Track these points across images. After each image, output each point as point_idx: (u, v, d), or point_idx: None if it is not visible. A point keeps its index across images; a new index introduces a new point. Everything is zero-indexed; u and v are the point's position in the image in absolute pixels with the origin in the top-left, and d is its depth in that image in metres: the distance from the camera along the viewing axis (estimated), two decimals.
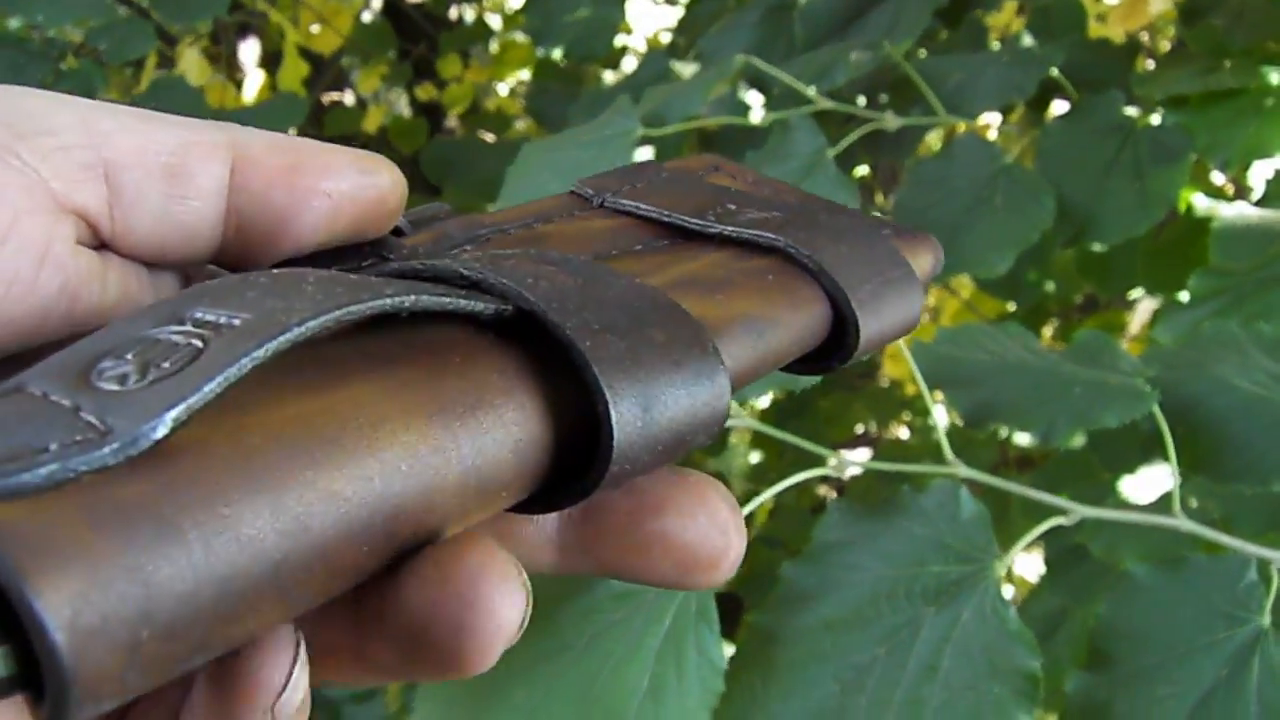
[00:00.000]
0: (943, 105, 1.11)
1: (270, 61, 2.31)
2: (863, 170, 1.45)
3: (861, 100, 1.27)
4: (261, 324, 0.20)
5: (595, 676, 0.52)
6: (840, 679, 0.58)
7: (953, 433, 0.74)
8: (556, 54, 1.57)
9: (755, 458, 2.31)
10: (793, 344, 0.27)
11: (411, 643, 0.22)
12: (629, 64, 2.12)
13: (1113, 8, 1.34)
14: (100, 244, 0.25)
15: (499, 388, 0.22)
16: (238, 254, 0.27)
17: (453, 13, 2.59)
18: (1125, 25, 1.29)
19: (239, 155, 0.26)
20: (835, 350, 0.28)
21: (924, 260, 0.31)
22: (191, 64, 2.02)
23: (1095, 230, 1.09)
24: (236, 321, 0.20)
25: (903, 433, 2.32)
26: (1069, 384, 0.69)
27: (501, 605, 0.22)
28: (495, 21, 2.58)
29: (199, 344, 0.19)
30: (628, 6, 1.53)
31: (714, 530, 0.26)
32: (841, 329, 0.28)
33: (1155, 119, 1.10)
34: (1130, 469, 1.19)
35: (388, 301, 0.21)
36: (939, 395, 0.72)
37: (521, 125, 2.46)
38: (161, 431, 0.18)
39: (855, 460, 0.64)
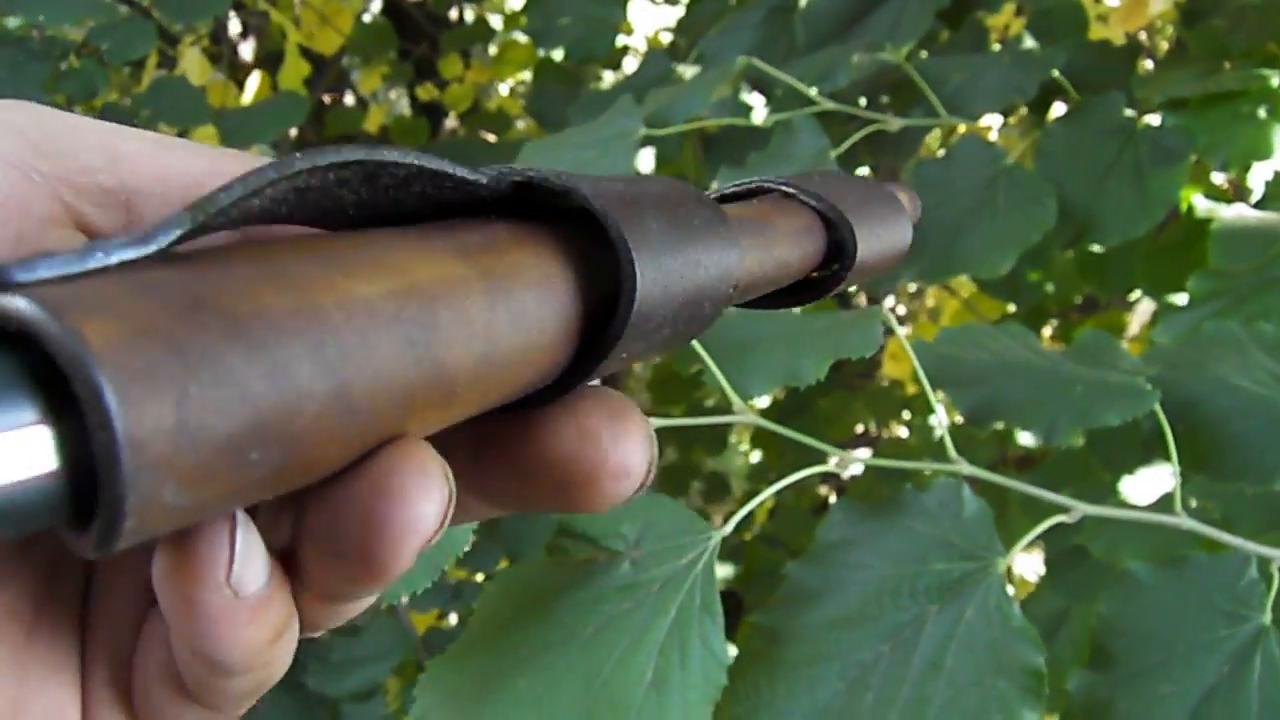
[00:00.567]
0: (944, 106, 1.12)
1: (271, 61, 2.31)
2: (864, 171, 1.45)
3: (863, 101, 1.27)
4: (277, 163, 0.20)
5: (600, 667, 0.53)
6: (845, 677, 0.58)
7: (953, 432, 0.75)
8: (557, 54, 1.58)
9: (755, 457, 2.31)
10: (793, 250, 0.28)
11: (328, 542, 0.22)
12: (629, 64, 2.13)
13: (1113, 9, 1.34)
14: None
15: (531, 262, 0.22)
16: None
17: (453, 13, 2.59)
18: (1125, 26, 1.30)
19: None
20: (834, 269, 0.30)
21: (905, 198, 0.33)
22: (192, 63, 2.02)
23: (1095, 231, 1.09)
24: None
25: (902, 432, 2.32)
26: (1070, 383, 0.69)
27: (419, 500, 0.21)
28: (496, 21, 2.59)
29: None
30: (629, 7, 1.53)
31: (585, 444, 0.24)
32: (839, 248, 0.29)
33: (1155, 120, 1.11)
34: (1130, 470, 1.19)
35: (395, 155, 0.22)
36: (940, 394, 0.72)
37: (522, 125, 2.46)
38: (180, 230, 0.19)
39: (857, 457, 0.64)
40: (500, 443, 0.25)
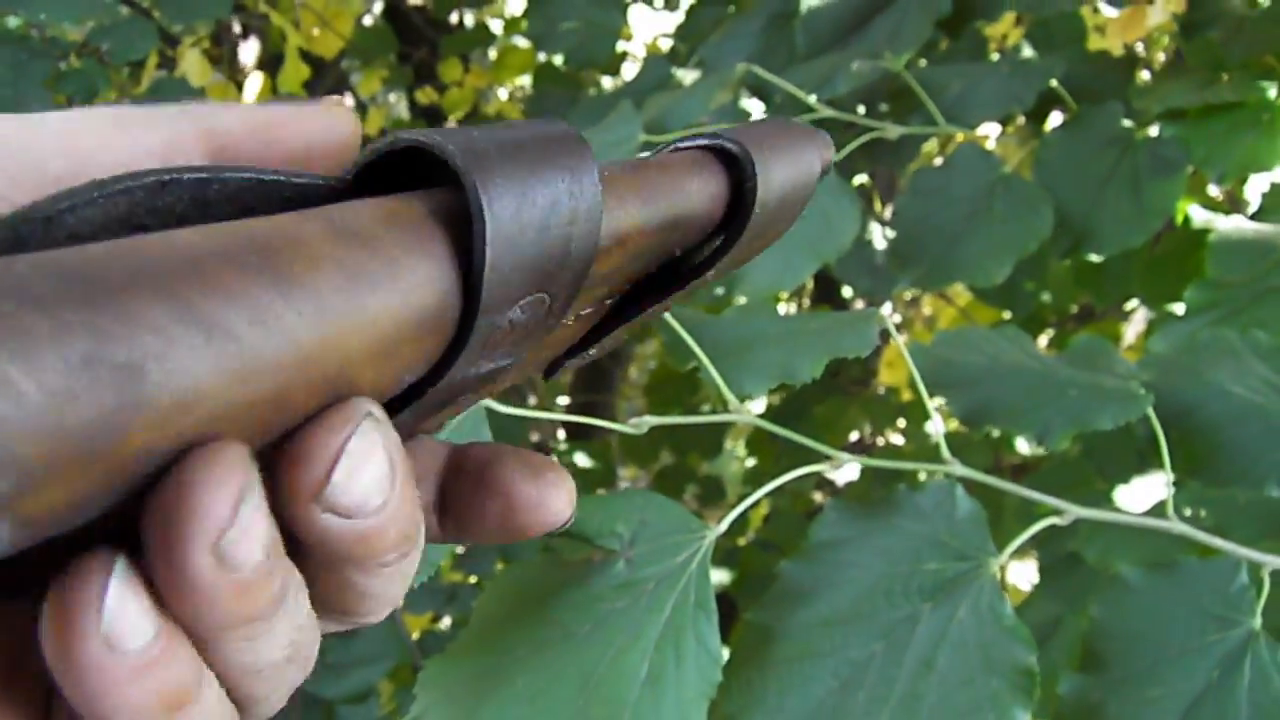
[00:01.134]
0: (942, 115, 1.12)
1: (271, 63, 2.31)
2: (861, 178, 1.46)
3: (861, 109, 1.27)
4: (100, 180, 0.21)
5: (596, 664, 0.53)
6: (838, 675, 0.58)
7: (948, 439, 0.75)
8: (557, 59, 1.58)
9: (750, 463, 2.32)
10: (686, 181, 0.28)
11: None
12: (628, 70, 2.13)
13: (1111, 20, 1.35)
14: None
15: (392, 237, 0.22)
16: None
17: (454, 17, 2.59)
18: (1123, 37, 1.30)
19: (218, 145, 0.26)
20: (743, 193, 0.29)
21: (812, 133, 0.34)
22: (193, 65, 2.03)
23: (1092, 241, 1.10)
24: None
25: (897, 440, 2.33)
26: (1065, 386, 0.69)
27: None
28: (496, 26, 2.59)
29: None
30: (629, 12, 1.54)
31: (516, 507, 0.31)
32: (740, 178, 0.29)
33: (1153, 131, 1.11)
34: (1125, 479, 1.19)
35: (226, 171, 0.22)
36: (936, 398, 0.72)
37: None
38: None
39: (853, 457, 0.64)
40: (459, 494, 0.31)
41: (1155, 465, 1.15)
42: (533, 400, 2.55)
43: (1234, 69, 1.10)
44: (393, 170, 0.25)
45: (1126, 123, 1.11)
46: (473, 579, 1.85)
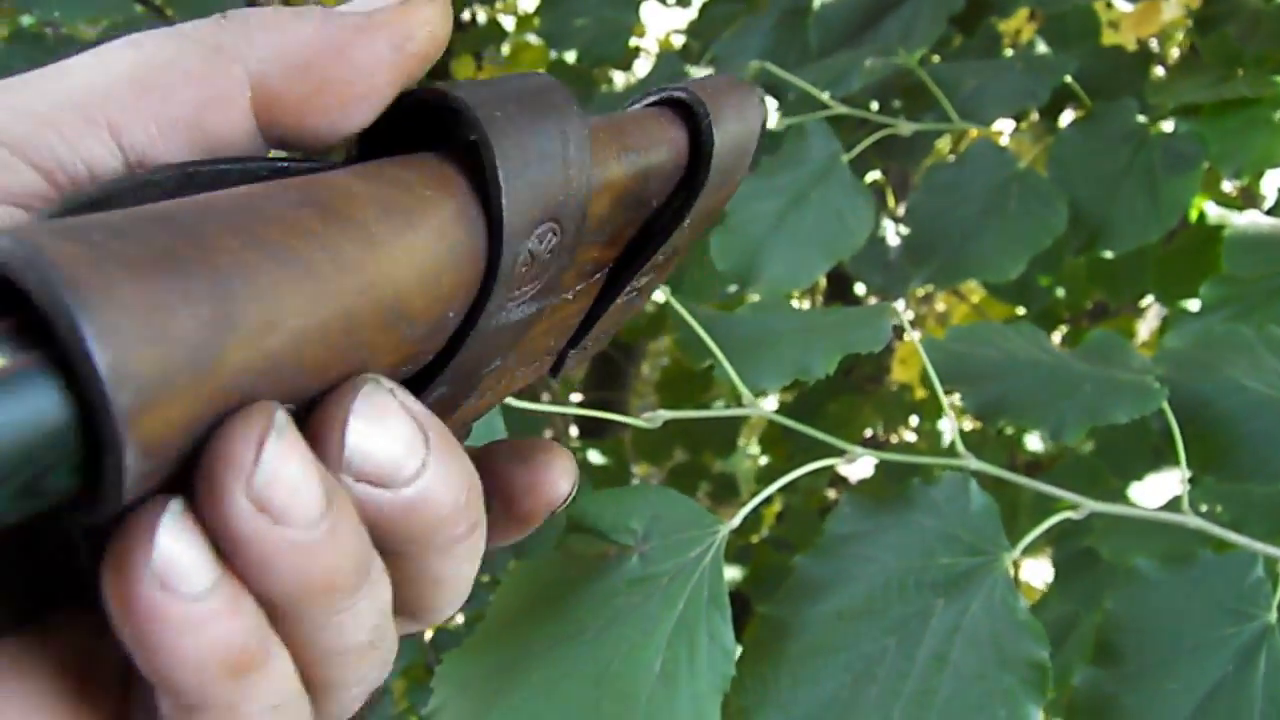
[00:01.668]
0: (956, 111, 1.12)
1: None
2: (874, 175, 1.46)
3: (875, 105, 1.27)
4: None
5: (610, 660, 0.53)
6: (851, 669, 0.58)
7: (961, 436, 0.74)
8: (570, 56, 1.58)
9: (763, 461, 2.31)
10: (652, 131, 0.30)
11: None
12: (640, 66, 2.13)
13: (1125, 15, 1.35)
14: None
15: (427, 195, 0.24)
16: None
17: (466, 14, 2.60)
18: (1138, 32, 1.30)
19: (258, 98, 0.25)
20: (697, 152, 0.31)
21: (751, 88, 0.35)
22: None
23: (1107, 237, 1.09)
24: None
25: (910, 437, 2.33)
26: (1079, 381, 0.69)
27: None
28: (509, 23, 2.60)
29: None
30: (642, 9, 1.54)
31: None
32: (696, 128, 0.31)
33: (1168, 127, 1.11)
34: (1139, 476, 1.19)
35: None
36: (950, 392, 0.72)
37: None
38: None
39: (868, 451, 0.64)
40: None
41: (1169, 462, 1.14)
42: (546, 397, 2.55)
43: (1249, 64, 1.10)
44: (391, 148, 0.26)
45: (1141, 119, 1.11)
46: (485, 577, 1.86)
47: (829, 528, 0.64)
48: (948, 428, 1.94)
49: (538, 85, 0.26)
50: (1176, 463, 0.68)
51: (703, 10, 1.61)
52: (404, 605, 0.26)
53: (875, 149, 1.13)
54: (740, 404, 0.64)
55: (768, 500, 0.63)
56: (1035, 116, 1.34)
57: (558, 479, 0.31)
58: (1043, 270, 1.39)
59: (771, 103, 1.28)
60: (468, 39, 2.42)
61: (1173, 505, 0.67)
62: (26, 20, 1.59)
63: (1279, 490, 0.67)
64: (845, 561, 0.62)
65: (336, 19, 0.25)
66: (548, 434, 2.41)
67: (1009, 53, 1.30)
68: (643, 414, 0.62)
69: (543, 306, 0.28)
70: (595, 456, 2.10)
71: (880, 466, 1.53)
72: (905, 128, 1.12)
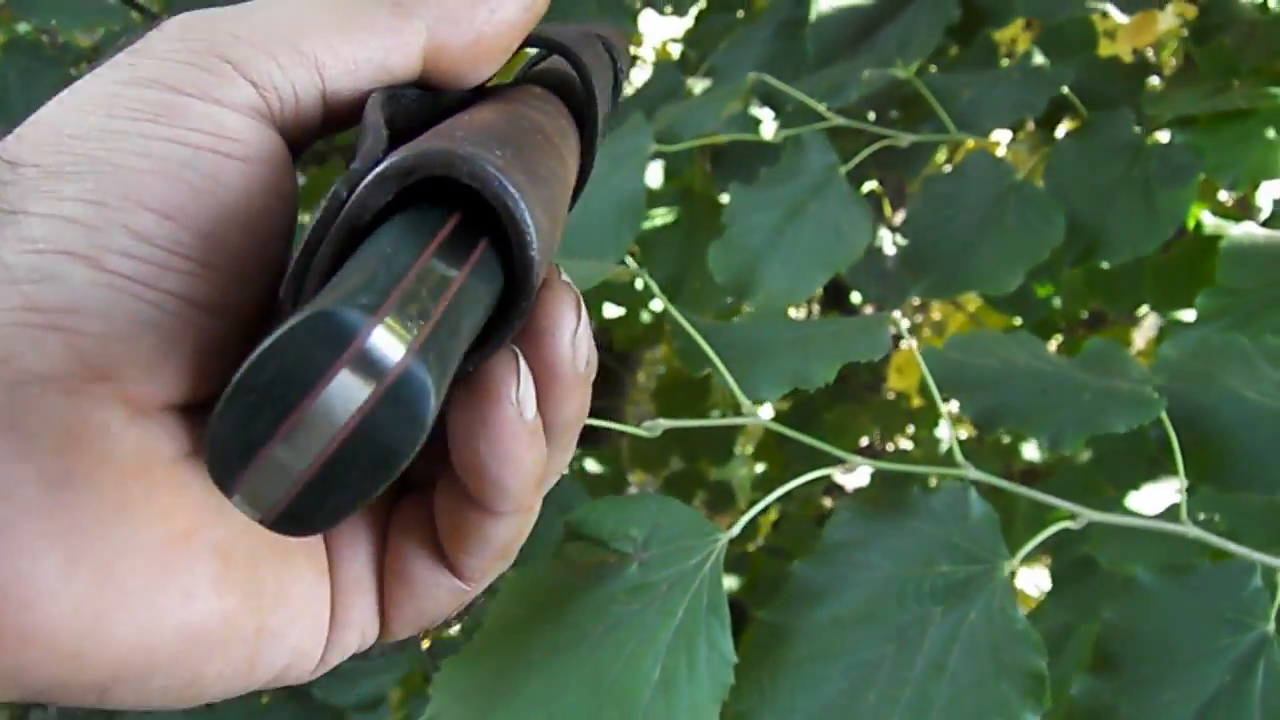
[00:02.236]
0: (953, 122, 1.12)
1: None
2: (871, 185, 1.46)
3: (872, 116, 1.27)
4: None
5: (608, 668, 0.53)
6: (849, 675, 0.58)
7: (958, 445, 0.74)
8: None
9: (759, 468, 2.31)
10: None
11: None
12: (636, 75, 2.14)
13: (1122, 25, 1.35)
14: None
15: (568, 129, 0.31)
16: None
17: None
18: (1134, 43, 1.30)
19: (429, 46, 0.29)
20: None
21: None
22: None
23: (1104, 248, 1.09)
24: None
25: (907, 445, 2.33)
26: (1078, 390, 0.69)
27: None
28: None
29: None
30: (640, 19, 1.54)
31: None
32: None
33: (1164, 138, 1.11)
34: (1136, 485, 1.19)
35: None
36: (949, 401, 0.73)
37: None
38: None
39: (865, 460, 0.64)
40: None
41: (1166, 471, 1.14)
42: None
43: (1245, 75, 1.10)
44: None
45: (1138, 129, 1.11)
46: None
47: (828, 534, 0.64)
48: (945, 436, 1.94)
49: (583, 28, 0.34)
50: (1174, 472, 0.68)
51: (699, 20, 1.61)
52: None
53: (872, 160, 1.13)
54: (738, 412, 0.64)
55: (764, 508, 0.63)
56: (1032, 127, 1.34)
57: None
58: (1039, 280, 1.39)
59: (769, 114, 1.28)
60: None
61: (1170, 514, 0.68)
62: (23, 27, 1.59)
63: (1277, 499, 0.67)
64: (844, 568, 0.62)
65: None
66: None
67: (1005, 63, 1.30)
68: (642, 423, 0.62)
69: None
70: (592, 465, 2.10)
71: (876, 475, 1.53)
72: (902, 139, 1.12)
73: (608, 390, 2.64)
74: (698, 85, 1.39)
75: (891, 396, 2.22)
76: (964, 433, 2.00)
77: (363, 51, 0.28)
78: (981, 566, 0.60)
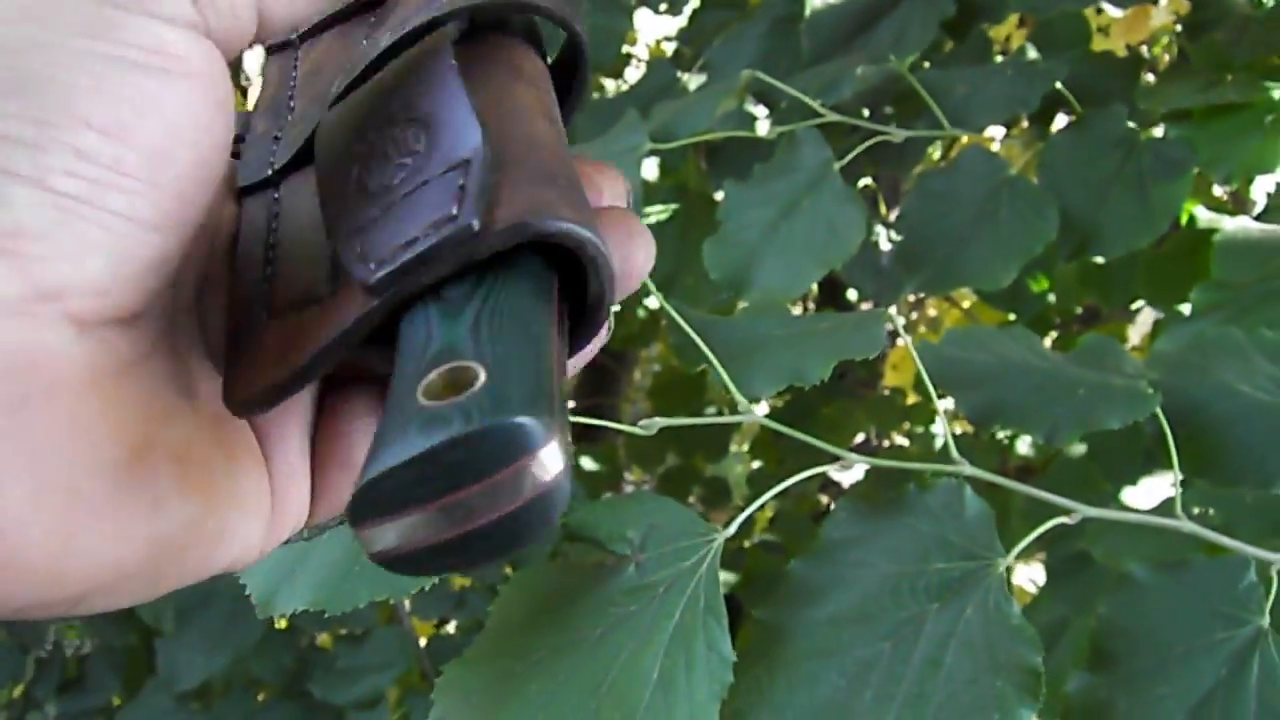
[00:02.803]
0: (947, 118, 1.12)
1: None
2: (865, 181, 1.46)
3: (866, 112, 1.27)
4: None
5: (607, 669, 0.53)
6: (846, 673, 0.59)
7: (954, 440, 0.75)
8: None
9: (755, 466, 2.31)
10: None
11: None
12: (630, 72, 2.14)
13: (1115, 20, 1.35)
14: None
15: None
16: None
17: None
18: (1127, 38, 1.30)
19: None
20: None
21: None
22: None
23: (1098, 243, 1.09)
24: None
25: (902, 442, 2.33)
26: (1073, 386, 0.70)
27: None
28: None
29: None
30: (635, 16, 1.54)
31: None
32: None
33: (1158, 133, 1.11)
34: (1131, 480, 1.19)
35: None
36: (944, 396, 0.73)
37: None
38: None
39: (861, 457, 0.65)
40: None
41: (1161, 466, 1.15)
42: None
43: (1239, 70, 1.10)
44: None
45: (1131, 124, 1.11)
46: (482, 585, 1.85)
47: (824, 533, 0.64)
48: (941, 432, 1.94)
49: None
50: (1169, 466, 0.68)
51: (693, 17, 1.61)
52: None
53: (867, 156, 1.13)
54: (734, 410, 0.64)
55: (760, 505, 0.64)
56: (1026, 123, 1.34)
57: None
58: (1034, 275, 1.39)
59: (763, 110, 1.28)
60: None
61: (1165, 509, 0.68)
62: None
63: (1271, 494, 0.67)
64: (840, 566, 0.62)
65: None
66: None
67: (999, 59, 1.30)
68: (638, 421, 0.62)
69: None
70: (588, 463, 2.10)
71: (872, 471, 1.53)
72: (897, 134, 1.12)
73: (604, 388, 2.64)
74: (692, 82, 1.39)
75: (887, 393, 2.22)
76: (959, 428, 2.00)
77: None
78: (977, 563, 0.61)
